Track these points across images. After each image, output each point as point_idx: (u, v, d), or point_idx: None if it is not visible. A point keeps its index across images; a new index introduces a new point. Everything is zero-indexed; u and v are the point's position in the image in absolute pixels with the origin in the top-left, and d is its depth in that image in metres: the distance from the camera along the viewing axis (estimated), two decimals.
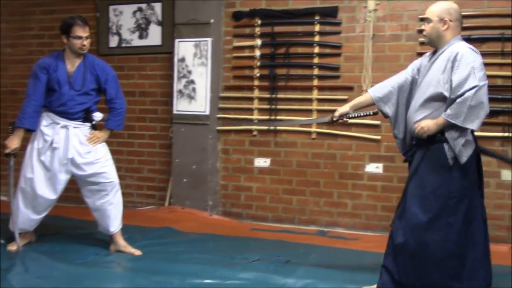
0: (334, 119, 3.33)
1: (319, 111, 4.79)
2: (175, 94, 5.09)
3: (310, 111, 4.82)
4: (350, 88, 4.70)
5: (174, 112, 5.12)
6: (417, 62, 3.16)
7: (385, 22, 4.59)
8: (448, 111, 2.79)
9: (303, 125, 4.83)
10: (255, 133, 5.02)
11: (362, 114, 3.39)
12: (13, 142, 3.60)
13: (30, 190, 3.69)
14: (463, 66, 2.77)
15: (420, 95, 2.97)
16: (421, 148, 2.94)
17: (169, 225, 4.60)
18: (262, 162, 5.04)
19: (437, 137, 2.85)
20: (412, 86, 3.13)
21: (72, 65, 3.71)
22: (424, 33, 3.02)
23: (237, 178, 5.13)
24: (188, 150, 5.09)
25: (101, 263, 3.51)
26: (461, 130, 2.79)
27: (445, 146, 2.83)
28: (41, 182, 3.68)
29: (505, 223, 4.32)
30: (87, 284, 3.09)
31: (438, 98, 2.86)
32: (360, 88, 4.64)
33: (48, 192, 3.71)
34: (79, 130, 3.72)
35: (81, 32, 3.64)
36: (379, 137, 4.63)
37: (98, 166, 3.72)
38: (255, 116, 4.99)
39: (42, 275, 3.21)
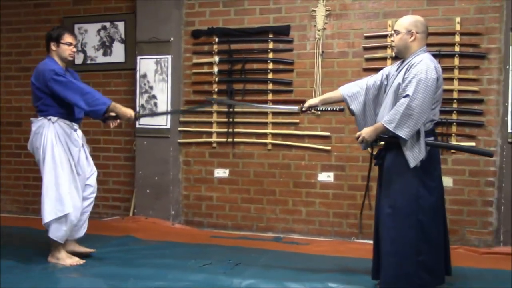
0: (303, 109, 3.58)
1: (274, 123, 5.06)
2: (137, 108, 5.30)
3: (265, 123, 5.08)
4: (302, 102, 4.86)
5: (137, 126, 5.33)
6: (386, 69, 3.43)
7: (333, 40, 4.89)
8: (386, 116, 3.08)
9: (259, 137, 5.08)
10: (214, 145, 5.26)
11: (329, 109, 3.65)
12: (125, 110, 3.79)
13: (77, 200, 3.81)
14: (411, 75, 3.05)
15: (386, 102, 3.24)
16: (390, 152, 3.20)
17: (132, 234, 4.79)
18: (221, 172, 5.27)
19: (387, 139, 3.12)
20: (379, 90, 3.39)
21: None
22: (393, 44, 3.30)
23: (198, 188, 5.35)
24: (151, 162, 5.30)
25: (59, 269, 3.69)
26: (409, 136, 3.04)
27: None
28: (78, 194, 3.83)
29: None
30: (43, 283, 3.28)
31: None
32: None
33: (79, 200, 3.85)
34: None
35: (71, 39, 3.87)
36: (329, 148, 4.90)
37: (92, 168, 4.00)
38: (214, 129, 5.23)
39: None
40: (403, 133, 3.02)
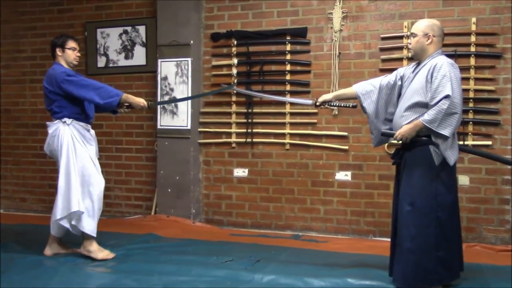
0: (317, 103, 3.68)
1: (291, 123, 5.16)
2: (159, 110, 5.44)
3: (283, 124, 5.18)
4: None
5: (158, 127, 5.48)
6: (401, 70, 3.51)
7: (350, 41, 4.97)
8: (426, 116, 3.15)
9: (277, 137, 5.19)
10: (234, 145, 5.37)
11: (342, 105, 3.75)
12: (139, 100, 4.00)
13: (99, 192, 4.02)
14: (440, 76, 3.13)
15: (404, 102, 3.33)
16: (409, 151, 3.28)
17: (154, 232, 4.93)
18: (241, 172, 5.38)
19: (423, 140, 3.20)
20: (392, 90, 3.47)
21: None
22: (410, 46, 3.39)
23: (218, 187, 5.47)
24: (172, 162, 5.44)
25: (87, 264, 3.85)
26: (446, 136, 3.13)
27: (431, 148, 3.18)
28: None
29: (462, 225, 4.61)
30: (76, 283, 3.41)
31: (421, 105, 3.22)
32: None
33: None
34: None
35: (75, 44, 4.11)
36: (347, 147, 4.99)
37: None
38: (233, 129, 5.35)
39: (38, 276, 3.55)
40: (446, 131, 3.11)
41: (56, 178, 5.98)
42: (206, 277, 3.53)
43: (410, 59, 4.72)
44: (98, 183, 4.00)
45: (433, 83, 3.15)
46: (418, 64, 3.36)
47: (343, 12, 4.95)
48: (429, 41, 3.27)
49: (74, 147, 3.94)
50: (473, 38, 4.61)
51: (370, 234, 4.93)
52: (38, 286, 3.32)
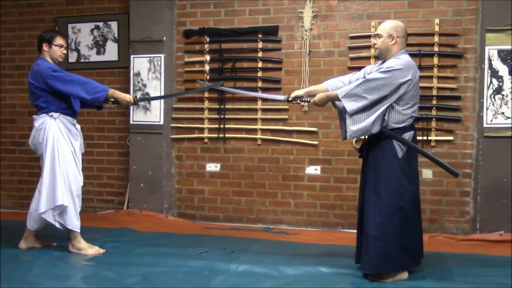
0: (290, 99, 3.82)
1: (263, 119, 5.30)
2: (131, 105, 5.47)
3: (255, 119, 5.31)
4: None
5: (131, 122, 5.53)
6: (368, 68, 3.68)
7: (320, 40, 5.14)
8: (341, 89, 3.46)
9: (249, 133, 5.32)
10: (206, 140, 5.47)
11: (311, 101, 3.86)
12: (125, 95, 4.01)
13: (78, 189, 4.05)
14: (381, 72, 3.35)
15: None
16: (374, 145, 3.46)
17: (127, 226, 4.98)
18: (213, 167, 5.48)
19: (386, 134, 3.38)
20: None
21: None
22: (376, 46, 3.57)
23: (191, 182, 5.56)
24: (145, 157, 5.50)
25: (64, 258, 3.89)
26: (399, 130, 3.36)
27: (394, 142, 3.37)
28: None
29: (426, 216, 4.89)
30: (55, 276, 3.45)
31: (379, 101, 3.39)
32: None
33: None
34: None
35: (63, 41, 4.08)
36: (316, 142, 5.15)
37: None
38: (206, 125, 5.44)
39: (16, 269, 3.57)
40: (347, 107, 3.35)
41: (25, 173, 6.03)
42: (183, 267, 3.62)
43: (377, 58, 4.91)
44: (77, 179, 4.03)
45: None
46: (383, 62, 3.54)
47: (313, 12, 5.10)
48: (393, 41, 3.45)
49: (59, 142, 3.94)
50: (436, 39, 4.84)
51: (338, 226, 5.11)
52: (18, 279, 3.35)
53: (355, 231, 4.90)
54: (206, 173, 5.50)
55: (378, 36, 3.50)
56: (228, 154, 5.42)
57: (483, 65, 4.67)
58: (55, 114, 3.96)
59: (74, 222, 3.97)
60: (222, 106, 5.36)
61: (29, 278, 3.38)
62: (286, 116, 5.22)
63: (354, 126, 3.39)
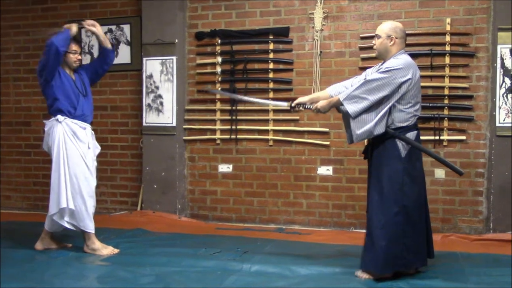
0: (292, 105, 3.81)
1: (275, 120, 5.32)
2: (144, 107, 5.55)
3: (267, 120, 5.33)
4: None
5: (144, 124, 5.58)
6: (369, 71, 3.69)
7: (331, 40, 5.15)
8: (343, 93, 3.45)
9: (261, 134, 5.35)
10: (218, 142, 5.51)
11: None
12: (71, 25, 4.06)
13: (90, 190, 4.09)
14: (381, 72, 3.37)
15: None
16: (377, 145, 3.47)
17: (141, 227, 5.03)
18: (225, 168, 5.52)
19: (390, 133, 3.39)
20: None
21: (70, 75, 4.15)
22: (374, 47, 3.57)
23: (203, 183, 5.59)
24: (158, 159, 5.55)
25: (79, 258, 3.95)
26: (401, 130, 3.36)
27: (397, 141, 3.38)
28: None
29: (438, 216, 4.89)
30: (71, 276, 3.51)
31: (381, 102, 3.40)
32: None
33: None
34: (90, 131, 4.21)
35: (76, 47, 4.16)
36: (328, 143, 5.17)
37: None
38: (218, 126, 5.48)
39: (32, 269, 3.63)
40: (349, 109, 3.36)
41: (40, 175, 6.11)
42: (197, 267, 3.66)
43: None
44: (88, 181, 4.07)
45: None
46: (383, 63, 3.54)
47: (324, 12, 5.12)
48: (392, 42, 3.46)
49: (65, 145, 4.00)
50: (447, 38, 4.83)
51: (351, 226, 5.12)
52: (34, 279, 3.41)
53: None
54: (218, 174, 5.53)
55: (376, 36, 3.52)
56: (240, 155, 5.45)
57: (495, 64, 4.65)
58: (61, 118, 4.03)
59: (86, 223, 4.02)
60: (234, 108, 5.39)
61: (45, 278, 3.43)
62: (298, 117, 5.24)
63: (359, 129, 3.40)
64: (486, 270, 3.64)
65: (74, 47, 4.13)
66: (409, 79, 3.34)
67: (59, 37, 3.96)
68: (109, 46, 4.28)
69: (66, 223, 4.02)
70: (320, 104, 3.59)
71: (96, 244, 4.07)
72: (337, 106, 3.52)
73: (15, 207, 6.23)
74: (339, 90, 3.72)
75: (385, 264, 3.37)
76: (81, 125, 4.11)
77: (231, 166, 5.49)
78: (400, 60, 3.39)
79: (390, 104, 3.36)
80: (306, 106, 3.77)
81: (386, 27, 3.50)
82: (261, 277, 3.46)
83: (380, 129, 3.38)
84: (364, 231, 4.80)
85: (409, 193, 3.38)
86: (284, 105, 3.95)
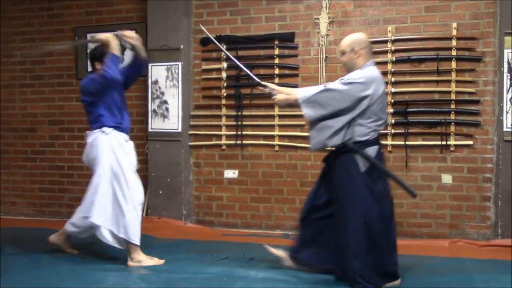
0: (262, 83, 3.71)
1: (280, 126, 5.31)
2: (149, 113, 5.55)
3: (272, 126, 5.33)
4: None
5: (149, 130, 5.58)
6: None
7: (336, 45, 5.08)
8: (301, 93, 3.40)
9: (267, 139, 5.34)
10: (224, 147, 5.50)
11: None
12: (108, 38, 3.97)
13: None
14: (342, 83, 3.33)
15: None
16: (338, 157, 3.40)
17: (146, 233, 4.99)
18: (231, 173, 5.50)
19: (349, 147, 3.32)
20: None
21: None
22: (342, 63, 3.56)
23: (209, 189, 5.58)
24: (163, 165, 5.54)
25: (86, 264, 3.92)
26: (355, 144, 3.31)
27: (357, 156, 3.30)
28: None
29: (446, 222, 4.86)
30: (78, 282, 3.49)
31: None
32: None
33: None
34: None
35: None
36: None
37: None
38: (223, 132, 5.47)
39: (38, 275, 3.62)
40: (305, 112, 3.34)
41: (46, 181, 6.12)
42: (203, 274, 3.63)
43: (395, 62, 4.92)
44: (139, 190, 4.01)
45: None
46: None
47: (329, 18, 5.11)
48: (356, 55, 3.43)
49: (115, 155, 3.91)
50: (454, 43, 4.81)
51: None
52: (39, 286, 3.39)
53: None
54: (224, 180, 5.52)
55: (341, 52, 3.50)
56: (246, 161, 5.44)
57: (502, 69, 4.63)
58: (108, 130, 3.95)
59: (135, 234, 3.87)
60: (239, 113, 5.38)
61: (50, 285, 3.41)
62: (304, 122, 5.21)
63: (313, 139, 3.37)
64: (495, 276, 3.60)
65: None
66: (369, 95, 3.27)
67: (112, 67, 3.85)
68: (145, 57, 4.19)
69: (110, 237, 3.88)
70: (279, 97, 3.55)
71: (141, 255, 3.94)
72: (295, 105, 3.47)
73: (21, 213, 6.24)
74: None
75: (348, 280, 3.31)
76: (125, 138, 4.06)
77: (236, 172, 5.48)
78: (364, 73, 3.34)
79: (349, 118, 3.30)
80: (271, 92, 3.65)
81: (349, 41, 3.48)
82: (268, 284, 3.44)
83: (335, 142, 3.32)
84: None
85: (371, 210, 3.28)
86: (257, 80, 3.80)
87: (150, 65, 5.53)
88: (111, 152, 3.91)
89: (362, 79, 3.29)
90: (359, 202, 3.28)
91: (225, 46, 5.43)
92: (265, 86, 3.70)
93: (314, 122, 3.36)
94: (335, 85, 3.33)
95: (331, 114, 3.30)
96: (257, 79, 3.80)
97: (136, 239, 3.89)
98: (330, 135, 3.31)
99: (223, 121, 5.47)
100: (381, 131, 3.51)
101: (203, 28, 4.36)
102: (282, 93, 3.60)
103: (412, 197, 3.52)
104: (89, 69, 5.84)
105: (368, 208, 3.28)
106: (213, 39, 4.23)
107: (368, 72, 3.36)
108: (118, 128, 4.00)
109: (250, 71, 4.00)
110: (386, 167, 3.51)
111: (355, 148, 3.30)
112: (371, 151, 3.33)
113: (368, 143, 3.33)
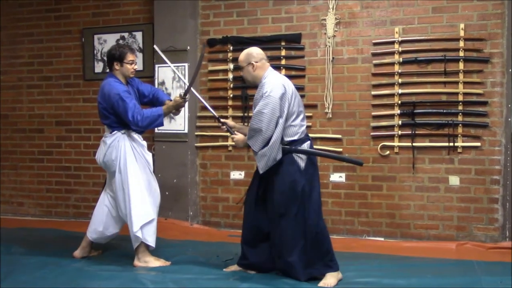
0: (221, 121, 3.91)
1: None
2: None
3: None
4: (314, 106, 5.21)
5: (156, 131, 5.58)
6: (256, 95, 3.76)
7: (343, 46, 5.13)
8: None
9: None
10: (230, 148, 5.50)
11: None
12: (174, 101, 3.99)
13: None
14: (258, 96, 3.54)
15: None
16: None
17: None
18: (237, 174, 5.50)
19: (286, 150, 3.49)
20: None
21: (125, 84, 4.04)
22: (243, 78, 3.75)
23: (215, 190, 5.58)
24: (169, 166, 5.54)
25: (92, 265, 3.94)
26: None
27: (294, 155, 3.49)
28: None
29: (453, 224, 4.83)
30: (84, 283, 3.51)
31: None
32: (323, 105, 5.15)
33: None
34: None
35: (133, 57, 3.98)
36: (341, 149, 5.13)
37: None
38: None
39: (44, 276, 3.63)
40: (255, 147, 3.50)
41: (53, 182, 6.14)
42: (210, 274, 3.65)
43: (402, 64, 4.91)
44: (157, 191, 4.09)
45: (256, 100, 3.57)
46: (260, 89, 3.62)
47: (336, 19, 5.10)
48: (254, 68, 3.61)
49: (135, 157, 3.95)
50: (461, 44, 4.78)
51: (364, 234, 5.07)
52: (47, 286, 3.41)
53: (381, 238, 4.94)
54: (230, 181, 5.52)
55: (240, 68, 3.68)
56: (252, 162, 5.43)
57: (510, 70, 4.60)
58: (127, 132, 3.96)
59: (151, 236, 3.95)
60: (246, 114, 5.38)
61: (56, 286, 3.43)
62: (310, 124, 5.20)
63: (260, 161, 3.53)
64: (503, 278, 3.58)
65: (130, 57, 3.95)
66: (283, 92, 3.46)
67: (148, 122, 3.86)
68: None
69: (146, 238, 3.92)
70: (236, 137, 3.74)
71: (149, 256, 3.96)
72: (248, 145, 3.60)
73: (28, 213, 6.26)
74: None
75: (284, 270, 3.54)
76: (141, 138, 4.09)
77: (243, 173, 5.47)
78: (270, 79, 3.52)
79: (281, 124, 3.45)
80: (230, 131, 3.86)
81: (243, 57, 3.64)
82: (273, 285, 3.43)
83: (280, 154, 3.48)
84: (377, 238, 4.87)
85: (314, 202, 3.50)
86: (215, 116, 4.00)
87: (156, 66, 5.56)
88: (131, 153, 3.94)
89: (272, 85, 3.47)
90: (306, 198, 3.48)
91: (231, 47, 5.43)
92: (223, 124, 3.88)
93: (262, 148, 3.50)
94: (261, 105, 3.46)
95: (270, 130, 3.43)
96: (216, 115, 3.98)
97: (152, 240, 3.93)
98: (277, 150, 3.47)
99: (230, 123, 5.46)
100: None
101: (156, 48, 4.44)
102: (241, 134, 3.75)
103: (359, 165, 3.81)
104: (96, 70, 5.94)
105: (314, 201, 3.51)
106: (164, 58, 4.27)
107: (272, 77, 3.55)
108: (135, 130, 4.01)
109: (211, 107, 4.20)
110: (321, 151, 3.87)
111: (292, 149, 3.49)
112: (306, 146, 3.55)
113: (302, 140, 3.54)
